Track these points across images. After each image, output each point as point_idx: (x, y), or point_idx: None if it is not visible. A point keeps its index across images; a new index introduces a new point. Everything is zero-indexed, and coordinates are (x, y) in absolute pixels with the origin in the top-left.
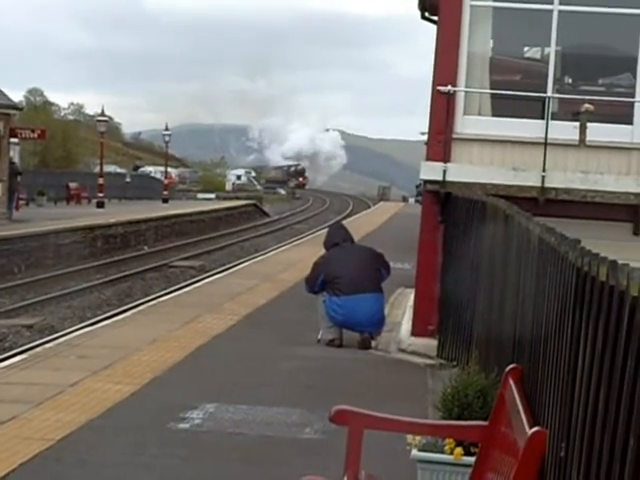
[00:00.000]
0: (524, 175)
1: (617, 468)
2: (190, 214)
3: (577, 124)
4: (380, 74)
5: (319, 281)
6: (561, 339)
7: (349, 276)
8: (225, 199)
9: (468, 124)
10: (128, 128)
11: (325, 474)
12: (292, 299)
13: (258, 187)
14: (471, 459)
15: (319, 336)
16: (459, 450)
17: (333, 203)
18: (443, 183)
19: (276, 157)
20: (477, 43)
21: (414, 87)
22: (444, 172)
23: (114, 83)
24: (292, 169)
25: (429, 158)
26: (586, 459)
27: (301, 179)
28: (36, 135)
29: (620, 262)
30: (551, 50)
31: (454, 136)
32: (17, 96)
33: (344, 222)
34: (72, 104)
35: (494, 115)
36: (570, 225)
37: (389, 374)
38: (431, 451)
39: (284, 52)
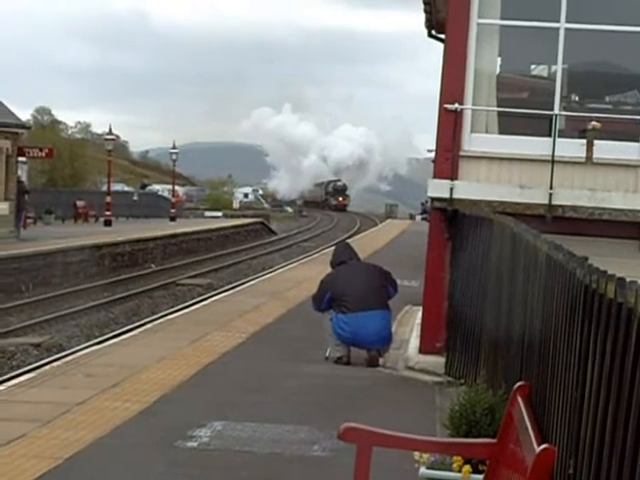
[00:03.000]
0: (531, 192)
1: None
2: (197, 232)
3: (584, 141)
4: (386, 91)
5: (326, 299)
6: (569, 356)
7: (356, 294)
8: (232, 217)
9: (475, 142)
10: (135, 146)
11: None
12: (299, 317)
13: (265, 205)
14: (479, 477)
15: (327, 354)
16: (467, 468)
17: (340, 221)
18: (450, 200)
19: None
20: (484, 61)
21: (421, 104)
22: (451, 189)
23: (121, 101)
24: (331, 186)
25: (436, 175)
26: (595, 476)
27: (341, 199)
28: (44, 154)
29: (628, 279)
30: (558, 68)
31: (461, 154)
32: (25, 115)
33: (351, 240)
34: (79, 123)
35: (501, 133)
36: (577, 242)
37: (397, 392)
38: (439, 469)
39: (290, 68)
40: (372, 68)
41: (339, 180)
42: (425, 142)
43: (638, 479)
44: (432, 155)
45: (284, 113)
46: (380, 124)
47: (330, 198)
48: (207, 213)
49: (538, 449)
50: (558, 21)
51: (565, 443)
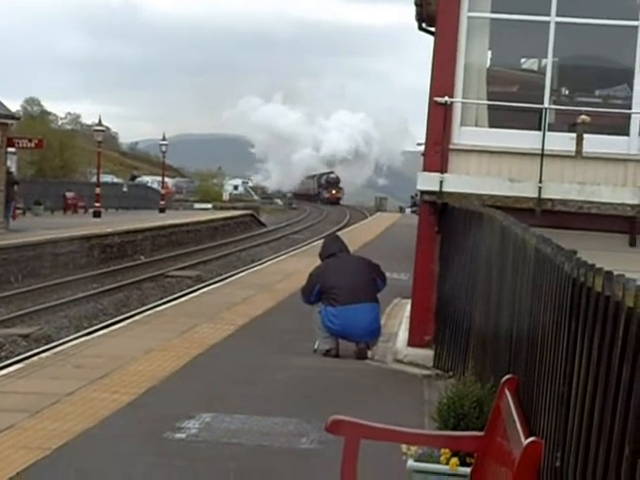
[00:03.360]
0: (521, 186)
1: (612, 477)
2: (187, 224)
3: (574, 135)
4: (376, 83)
5: (315, 291)
6: (557, 349)
7: (345, 286)
8: (222, 209)
9: (465, 135)
10: (125, 138)
11: None
12: (288, 309)
13: (255, 197)
14: (467, 469)
15: (315, 346)
16: (455, 460)
17: (330, 213)
18: (440, 194)
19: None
20: (474, 54)
21: (411, 98)
22: (441, 183)
23: (111, 92)
24: (323, 179)
25: (426, 169)
26: (581, 469)
27: (334, 192)
28: (33, 145)
29: (616, 273)
30: (548, 61)
31: (451, 147)
32: (14, 105)
33: (341, 232)
34: (69, 114)
35: (491, 126)
36: (567, 236)
37: (385, 384)
38: (427, 461)
39: (281, 60)
40: (364, 60)
41: (332, 172)
42: (419, 134)
43: (624, 472)
44: (422, 148)
45: (273, 103)
46: (375, 114)
47: (322, 191)
48: (196, 205)
49: (525, 442)
50: (548, 15)
51: (552, 436)
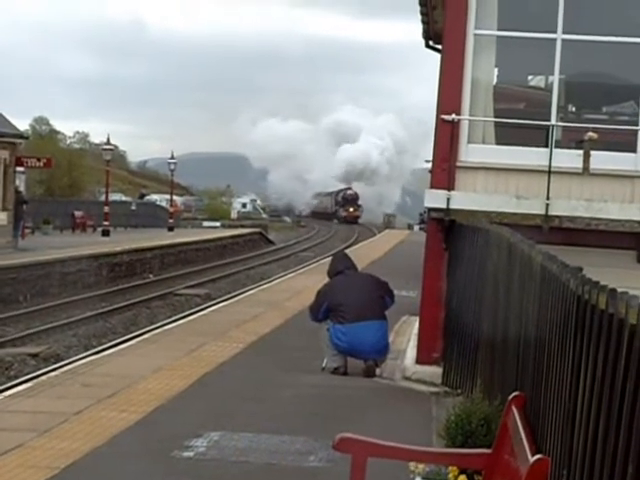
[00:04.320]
0: (528, 203)
1: None
2: (195, 242)
3: (581, 152)
4: (387, 100)
5: (323, 309)
6: (562, 366)
7: (353, 304)
8: (230, 227)
9: (472, 152)
10: (134, 156)
11: None
12: (297, 327)
13: (263, 215)
14: None
15: (324, 364)
16: (462, 478)
17: (338, 231)
18: (447, 211)
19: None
20: (481, 71)
21: (425, 114)
22: (448, 200)
23: (120, 111)
24: (340, 195)
25: (433, 186)
26: None
27: (352, 209)
28: (42, 164)
29: (620, 290)
30: (555, 78)
31: (458, 164)
32: (23, 125)
33: (350, 250)
34: (78, 132)
35: (498, 143)
36: (574, 253)
37: (394, 402)
38: (435, 479)
39: (290, 77)
40: (373, 77)
41: (349, 188)
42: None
43: None
44: (429, 165)
45: (282, 120)
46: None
47: (339, 209)
48: (205, 223)
49: (532, 459)
50: (555, 32)
51: (558, 453)
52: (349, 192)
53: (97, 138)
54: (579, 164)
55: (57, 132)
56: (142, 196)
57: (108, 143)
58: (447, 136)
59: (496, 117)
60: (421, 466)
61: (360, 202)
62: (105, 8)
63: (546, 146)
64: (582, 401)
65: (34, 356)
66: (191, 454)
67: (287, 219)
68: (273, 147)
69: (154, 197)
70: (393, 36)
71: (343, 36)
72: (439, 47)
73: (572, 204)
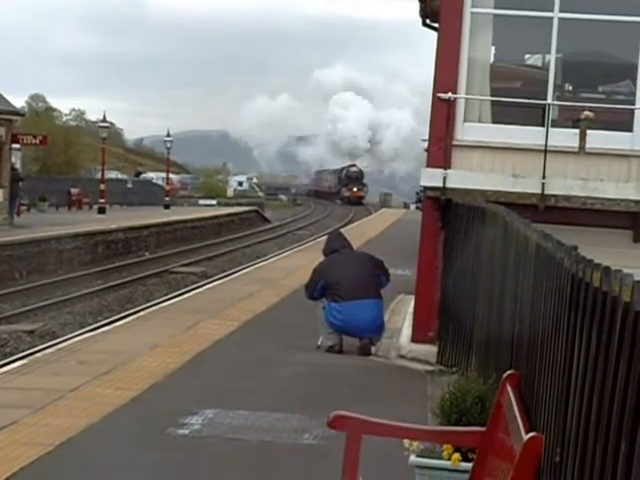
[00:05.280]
0: (524, 182)
1: (609, 472)
2: (191, 220)
3: (577, 131)
4: (386, 77)
5: (318, 287)
6: (556, 344)
7: (348, 282)
8: (226, 205)
9: (468, 131)
10: (130, 134)
11: None
12: (292, 305)
13: (260, 193)
14: (469, 465)
15: (319, 342)
16: (457, 456)
17: (335, 210)
18: (443, 190)
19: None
20: (478, 50)
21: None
22: (444, 179)
23: (117, 88)
24: (343, 173)
25: (429, 165)
26: (580, 464)
27: (356, 189)
28: (38, 141)
29: (614, 268)
30: (551, 57)
31: (454, 143)
32: (19, 102)
33: (345, 229)
34: (74, 110)
35: (494, 122)
36: (570, 232)
37: (389, 380)
38: (429, 457)
39: (284, 55)
40: (372, 55)
41: (353, 165)
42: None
43: (620, 466)
44: (425, 144)
45: (281, 99)
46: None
47: (342, 188)
48: (201, 201)
49: (526, 437)
50: (552, 10)
51: (552, 431)
52: (352, 169)
53: (93, 115)
54: (575, 143)
55: (53, 109)
56: (138, 174)
57: (104, 120)
58: (443, 115)
59: (492, 96)
60: (415, 444)
61: (365, 181)
62: None
63: (542, 125)
64: (576, 379)
65: (30, 333)
66: (186, 431)
67: (283, 197)
68: (265, 126)
69: (150, 175)
70: (391, 13)
71: (342, 14)
72: (436, 26)
73: (568, 183)
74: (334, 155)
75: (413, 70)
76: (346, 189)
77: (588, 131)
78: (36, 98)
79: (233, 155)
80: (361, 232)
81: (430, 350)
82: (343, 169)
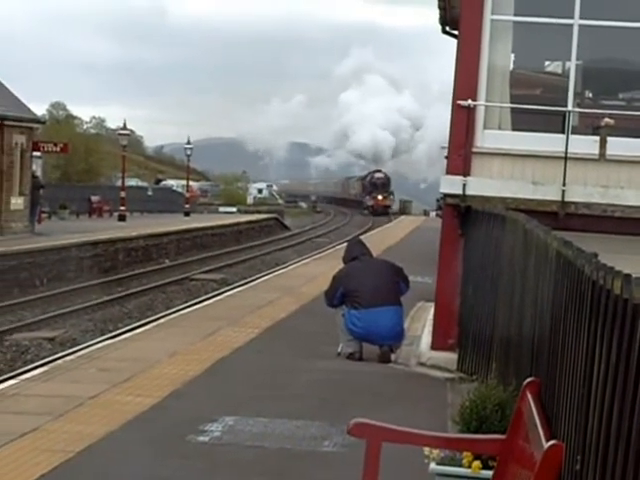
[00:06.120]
0: (544, 189)
1: None
2: (211, 227)
3: (597, 138)
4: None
5: (338, 294)
6: (577, 352)
7: (368, 289)
8: (246, 212)
9: (488, 138)
10: (150, 141)
11: None
12: (312, 312)
13: (279, 201)
14: (489, 473)
15: (339, 349)
16: (477, 464)
17: (354, 217)
18: (463, 197)
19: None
20: (497, 57)
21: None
22: (464, 186)
23: (137, 96)
24: (367, 179)
25: (449, 172)
26: (600, 472)
27: (381, 197)
28: (59, 149)
29: (635, 276)
30: (572, 64)
31: (474, 150)
32: (40, 110)
33: (365, 236)
34: (94, 117)
35: (514, 129)
36: (590, 239)
37: (409, 388)
38: (449, 465)
39: (305, 62)
40: (392, 64)
41: (378, 170)
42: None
43: None
44: (445, 151)
45: (298, 104)
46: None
47: (366, 196)
48: (221, 208)
49: (546, 445)
50: (572, 17)
51: (573, 439)
52: (377, 175)
53: (114, 123)
54: (595, 150)
55: (74, 117)
56: (158, 181)
57: (124, 128)
58: (463, 122)
59: (512, 103)
60: (436, 451)
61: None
62: None
63: (562, 132)
64: (596, 386)
65: (50, 340)
66: (206, 439)
67: (303, 205)
68: (279, 134)
69: (170, 182)
70: (411, 21)
71: (363, 21)
72: (456, 33)
73: (588, 190)
74: (348, 163)
75: (433, 76)
76: (370, 197)
77: (608, 138)
78: (57, 106)
79: (248, 162)
80: (381, 239)
81: (450, 357)
82: (367, 175)
